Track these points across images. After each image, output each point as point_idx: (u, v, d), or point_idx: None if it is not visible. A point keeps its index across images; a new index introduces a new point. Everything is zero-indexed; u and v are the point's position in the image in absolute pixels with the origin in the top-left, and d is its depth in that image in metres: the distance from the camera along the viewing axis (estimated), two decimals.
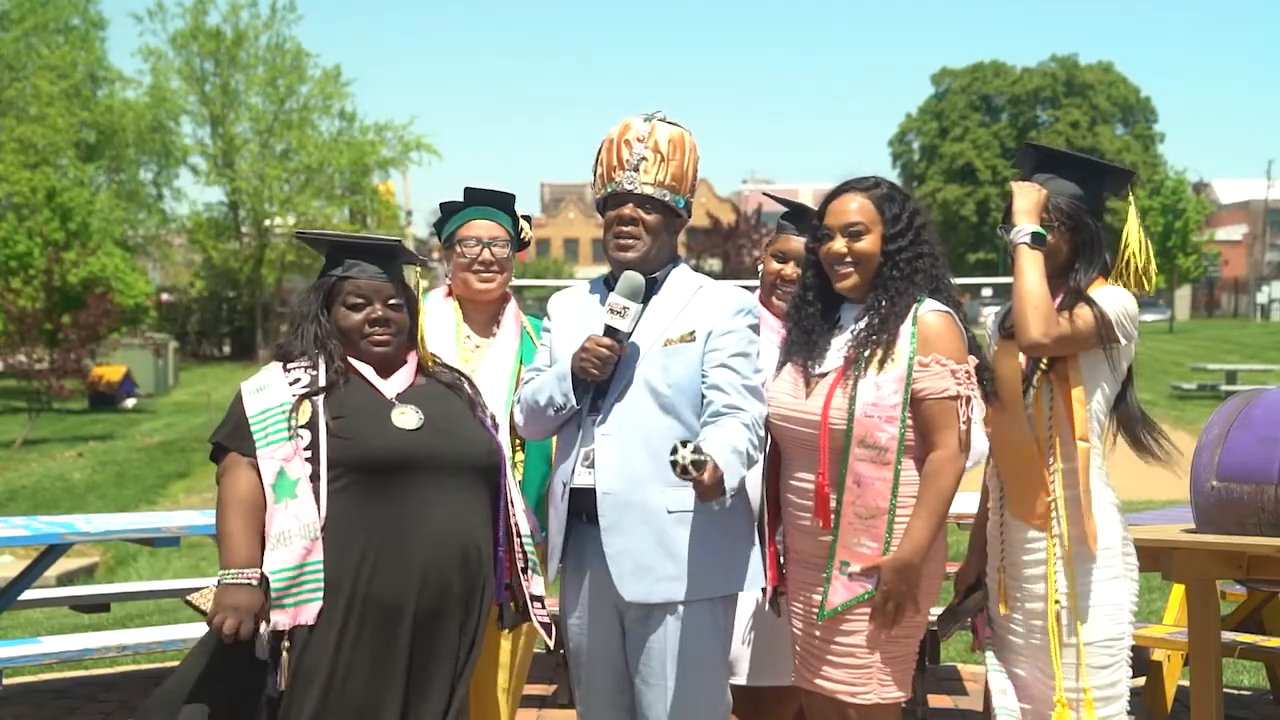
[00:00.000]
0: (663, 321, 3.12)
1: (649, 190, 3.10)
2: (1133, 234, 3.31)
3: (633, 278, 3.06)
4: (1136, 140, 59.47)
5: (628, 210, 3.11)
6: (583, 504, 3.09)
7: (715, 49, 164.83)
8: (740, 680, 3.50)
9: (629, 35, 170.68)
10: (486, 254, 3.62)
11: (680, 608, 3.06)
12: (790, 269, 3.57)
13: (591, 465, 3.07)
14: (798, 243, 3.53)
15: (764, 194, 4.09)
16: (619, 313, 3.02)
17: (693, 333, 3.10)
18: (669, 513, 3.04)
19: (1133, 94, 60.09)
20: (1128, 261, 3.30)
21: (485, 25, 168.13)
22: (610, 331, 3.03)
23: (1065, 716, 3.13)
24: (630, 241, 3.12)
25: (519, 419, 3.25)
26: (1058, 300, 3.18)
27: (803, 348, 3.18)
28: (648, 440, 3.02)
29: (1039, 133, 57.94)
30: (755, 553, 3.17)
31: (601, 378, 3.04)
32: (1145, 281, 3.30)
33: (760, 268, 3.77)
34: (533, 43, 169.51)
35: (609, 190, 3.13)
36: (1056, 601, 3.14)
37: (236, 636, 2.80)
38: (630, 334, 3.05)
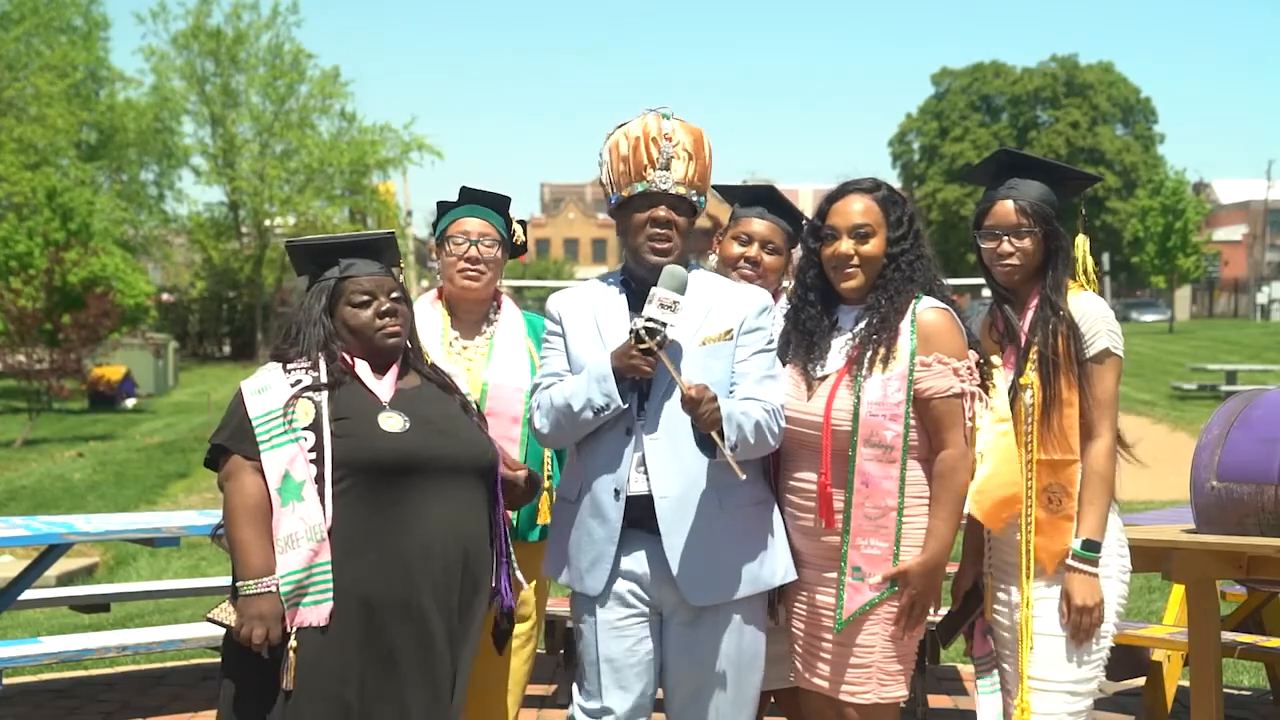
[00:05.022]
0: (696, 320, 3.09)
1: (681, 190, 3.09)
2: (1079, 241, 3.37)
3: (678, 272, 3.01)
4: (1136, 140, 59.43)
5: (662, 212, 3.08)
6: (632, 510, 3.05)
7: (715, 49, 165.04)
8: None
9: (629, 35, 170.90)
10: (473, 251, 3.61)
11: (730, 605, 3.07)
12: (754, 250, 3.55)
13: (645, 471, 3.04)
14: (762, 226, 3.56)
15: (714, 188, 4.04)
16: (669, 307, 2.97)
17: (730, 331, 3.10)
18: (720, 510, 3.05)
19: (1133, 94, 60.03)
20: (1083, 266, 3.37)
21: (485, 25, 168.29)
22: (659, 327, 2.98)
23: (1025, 703, 3.15)
24: (666, 245, 3.09)
25: (541, 425, 3.13)
26: (1032, 304, 3.22)
27: (803, 349, 3.18)
28: (693, 442, 3.01)
29: (1039, 133, 57.96)
30: (784, 544, 3.17)
31: (651, 374, 3.01)
32: (1092, 282, 3.38)
33: (714, 254, 3.69)
34: (532, 43, 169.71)
35: (639, 190, 3.08)
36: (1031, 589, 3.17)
37: (266, 644, 2.84)
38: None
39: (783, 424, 3.07)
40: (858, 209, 3.15)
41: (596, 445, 3.09)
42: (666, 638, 3.11)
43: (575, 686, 3.21)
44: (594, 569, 3.08)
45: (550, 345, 3.22)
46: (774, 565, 3.12)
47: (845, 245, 3.13)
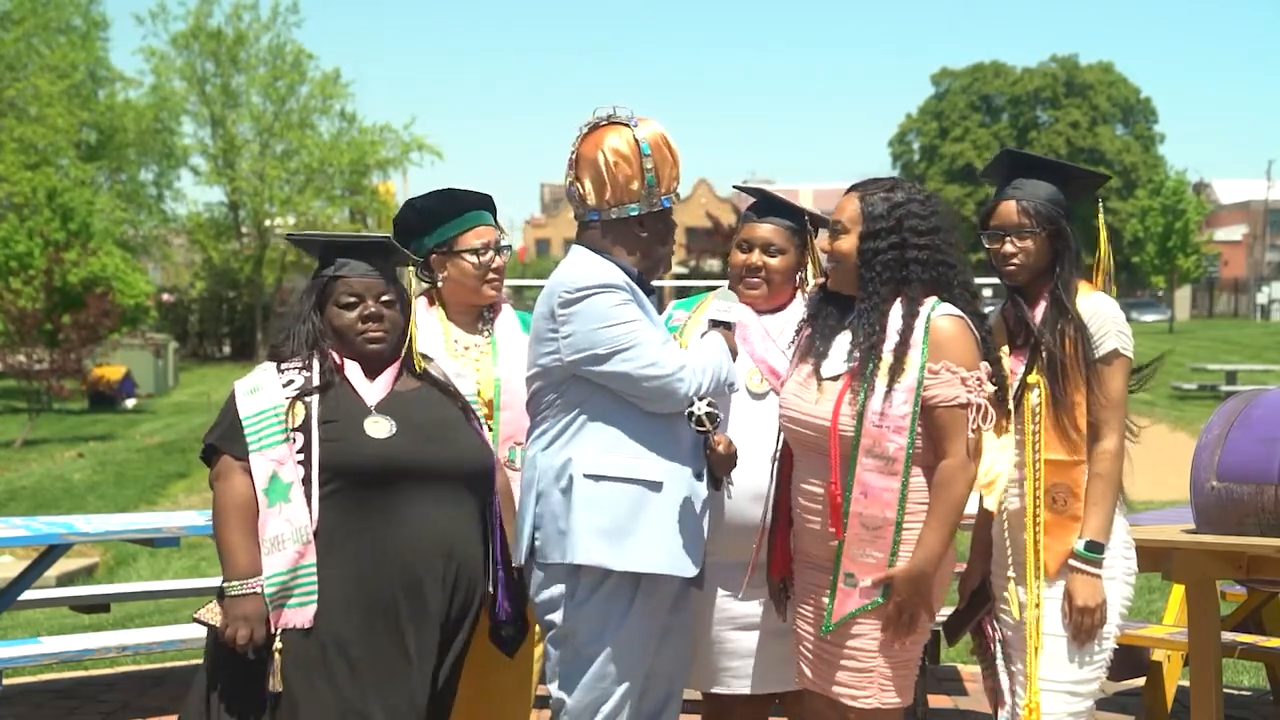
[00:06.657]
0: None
1: None
2: (1102, 242, 3.35)
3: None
4: (1136, 140, 59.43)
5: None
6: None
7: (715, 48, 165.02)
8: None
9: (629, 35, 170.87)
10: (498, 260, 3.57)
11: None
12: (755, 256, 3.51)
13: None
14: (762, 229, 3.51)
15: (734, 187, 4.07)
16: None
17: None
18: None
19: (1133, 94, 60.04)
20: (1099, 264, 3.34)
21: (485, 25, 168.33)
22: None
23: (1035, 704, 3.15)
24: None
25: (709, 383, 3.05)
26: (1041, 304, 3.21)
27: (816, 347, 3.19)
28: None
29: (1039, 133, 57.97)
30: None
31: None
32: (1111, 283, 3.35)
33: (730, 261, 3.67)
34: (532, 43, 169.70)
35: (674, 199, 3.15)
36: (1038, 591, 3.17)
37: (250, 645, 2.84)
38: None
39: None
40: (846, 207, 3.15)
41: (681, 429, 3.05)
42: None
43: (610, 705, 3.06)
44: (691, 548, 3.06)
45: (636, 312, 3.03)
46: None
47: (824, 241, 3.17)
